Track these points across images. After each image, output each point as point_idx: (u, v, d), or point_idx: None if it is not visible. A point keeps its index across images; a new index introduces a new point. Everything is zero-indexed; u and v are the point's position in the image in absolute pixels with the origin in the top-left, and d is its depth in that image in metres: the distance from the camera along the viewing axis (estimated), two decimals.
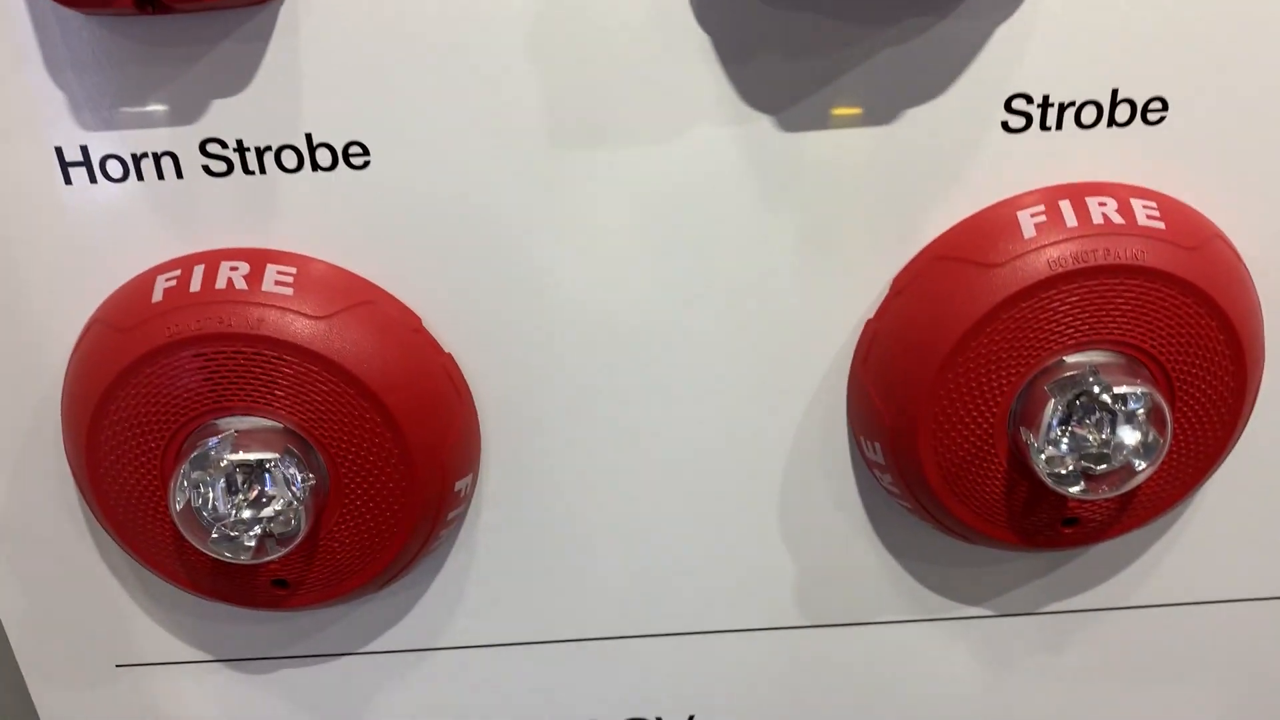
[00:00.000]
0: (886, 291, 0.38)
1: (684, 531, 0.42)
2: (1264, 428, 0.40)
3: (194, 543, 0.36)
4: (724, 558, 0.43)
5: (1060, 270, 0.35)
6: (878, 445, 0.39)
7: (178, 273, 0.36)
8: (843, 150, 0.36)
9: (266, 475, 0.36)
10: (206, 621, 0.43)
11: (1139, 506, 0.39)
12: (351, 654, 0.44)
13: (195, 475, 0.36)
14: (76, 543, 0.42)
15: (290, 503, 0.36)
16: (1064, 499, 0.38)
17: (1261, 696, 0.46)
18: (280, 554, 0.36)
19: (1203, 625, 0.44)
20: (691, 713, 0.46)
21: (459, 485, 0.39)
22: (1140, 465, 0.35)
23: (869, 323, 0.38)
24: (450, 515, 0.39)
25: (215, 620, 0.43)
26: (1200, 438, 0.37)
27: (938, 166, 0.36)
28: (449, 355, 0.38)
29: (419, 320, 0.38)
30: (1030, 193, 0.36)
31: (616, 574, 0.43)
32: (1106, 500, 0.38)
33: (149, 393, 0.36)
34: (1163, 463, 0.38)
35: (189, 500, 0.36)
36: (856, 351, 0.39)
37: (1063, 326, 0.35)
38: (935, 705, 0.46)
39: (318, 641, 0.44)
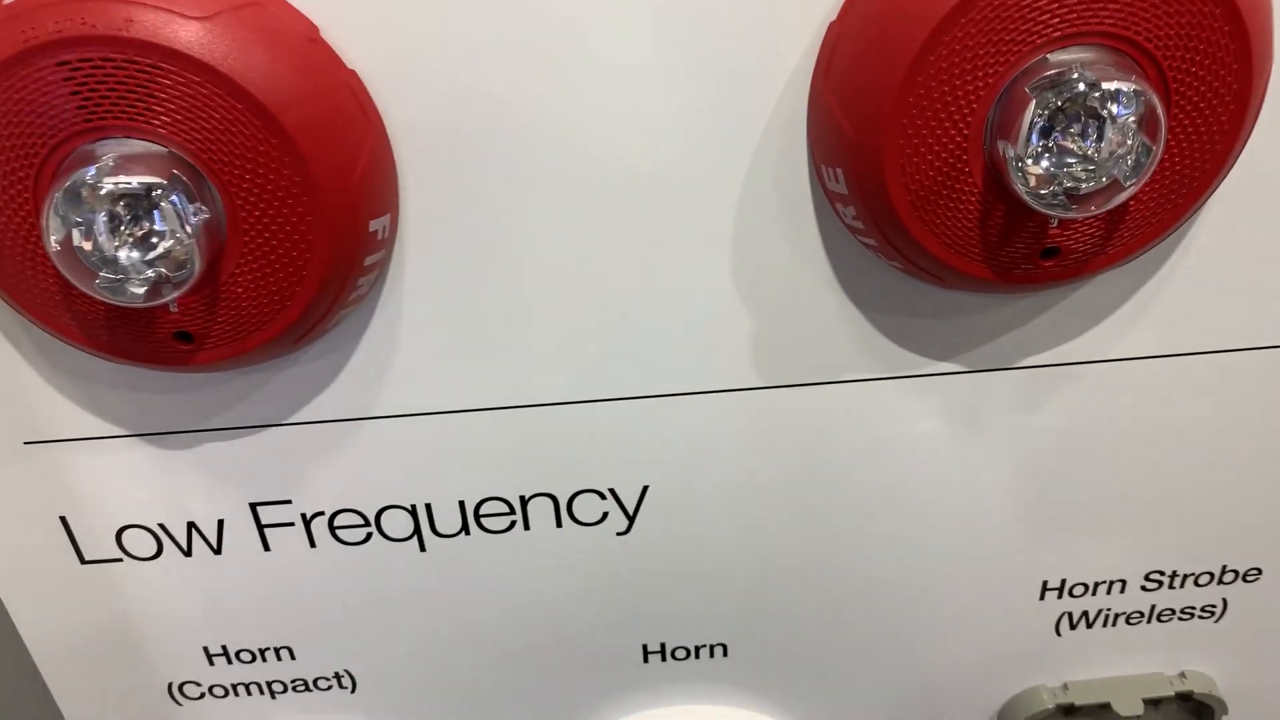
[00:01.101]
0: None
1: (630, 285, 0.39)
2: (1263, 152, 0.37)
3: (79, 285, 0.33)
4: (674, 313, 0.39)
5: None
6: (840, 171, 0.35)
7: None
8: None
9: (156, 212, 0.32)
10: (119, 392, 0.40)
11: (1124, 235, 0.35)
12: (276, 425, 0.41)
13: (73, 207, 0.32)
14: None
15: (182, 239, 0.32)
16: (1043, 226, 0.35)
17: (1244, 452, 0.43)
18: (175, 295, 0.33)
19: (1183, 378, 0.41)
20: (646, 483, 0.43)
21: (375, 225, 0.35)
22: (1129, 178, 0.32)
23: (832, 25, 0.34)
24: (368, 261, 0.36)
25: (128, 391, 0.40)
26: (1196, 151, 0.33)
27: None
28: (352, 72, 0.34)
29: (315, 29, 0.33)
30: None
31: (557, 332, 0.39)
32: (1089, 227, 0.35)
33: (8, 111, 0.31)
34: (1153, 180, 0.34)
35: (68, 237, 0.32)
36: (818, 62, 0.34)
37: (1047, 15, 0.31)
38: (901, 468, 0.43)
39: (239, 413, 0.41)
